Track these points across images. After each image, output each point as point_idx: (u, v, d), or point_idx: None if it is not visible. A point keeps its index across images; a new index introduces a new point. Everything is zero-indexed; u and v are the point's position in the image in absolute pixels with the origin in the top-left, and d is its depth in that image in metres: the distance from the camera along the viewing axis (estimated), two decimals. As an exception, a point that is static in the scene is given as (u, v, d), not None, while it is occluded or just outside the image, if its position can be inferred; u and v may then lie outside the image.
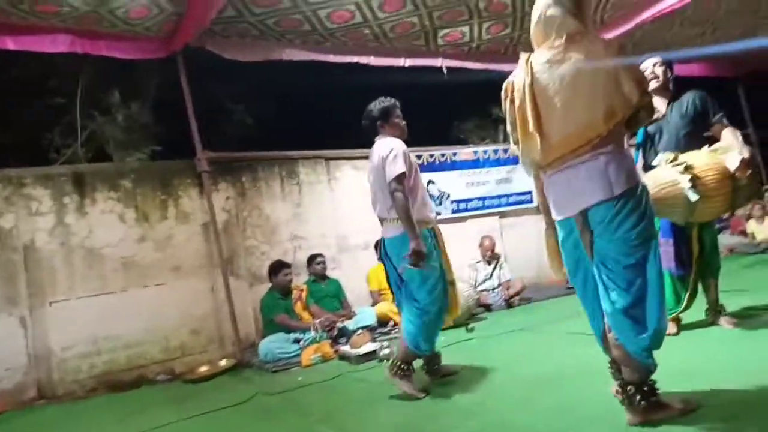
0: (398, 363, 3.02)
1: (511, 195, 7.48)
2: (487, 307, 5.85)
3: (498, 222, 7.29)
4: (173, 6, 4.36)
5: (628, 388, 2.01)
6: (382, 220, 3.23)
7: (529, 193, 7.56)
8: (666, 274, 3.05)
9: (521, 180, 7.51)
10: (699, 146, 3.13)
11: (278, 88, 8.01)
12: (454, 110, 9.64)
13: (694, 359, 2.31)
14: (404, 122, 3.29)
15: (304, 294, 5.23)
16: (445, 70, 6.23)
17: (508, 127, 2.26)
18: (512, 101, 2.18)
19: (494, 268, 6.22)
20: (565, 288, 6.03)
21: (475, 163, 7.29)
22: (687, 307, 3.32)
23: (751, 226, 7.28)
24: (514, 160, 7.56)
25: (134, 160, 6.40)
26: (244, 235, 5.58)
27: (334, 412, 2.97)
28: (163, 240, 5.18)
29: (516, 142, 2.23)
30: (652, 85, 3.33)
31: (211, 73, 6.29)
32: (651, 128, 3.33)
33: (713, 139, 3.25)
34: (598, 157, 2.01)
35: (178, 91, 5.10)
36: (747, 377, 2.28)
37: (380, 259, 5.69)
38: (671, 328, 3.17)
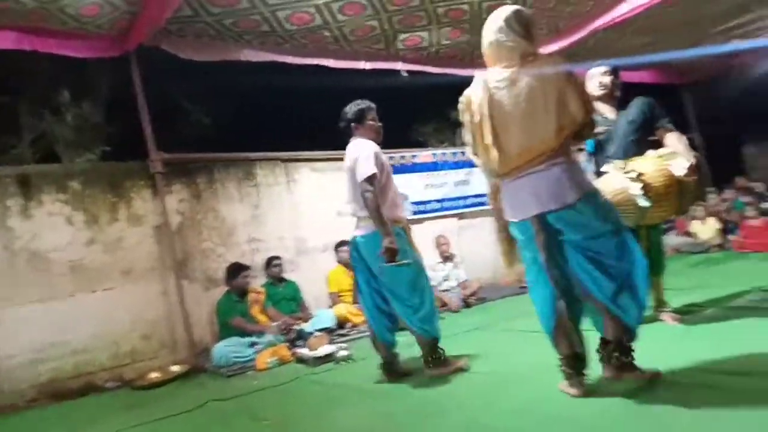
0: (428, 357, 3.16)
1: (468, 197, 7.59)
2: (456, 311, 5.88)
3: (456, 223, 7.39)
4: (127, 4, 4.25)
5: (609, 345, 2.27)
6: (355, 219, 3.32)
7: (486, 194, 7.69)
8: None
9: (479, 182, 7.63)
10: (646, 150, 3.27)
11: (236, 89, 7.85)
12: (413, 113, 9.73)
13: (638, 353, 2.43)
14: (379, 124, 3.38)
15: (261, 297, 5.17)
16: (404, 74, 6.28)
17: (469, 138, 2.43)
18: (471, 115, 2.35)
19: (452, 269, 6.31)
20: (518, 287, 6.17)
21: (433, 166, 7.37)
22: None
23: (695, 226, 7.59)
24: (471, 164, 7.66)
25: (84, 161, 6.18)
26: (200, 238, 5.47)
27: (291, 416, 2.95)
28: (113, 243, 5.02)
29: (476, 153, 2.41)
30: (599, 92, 3.48)
31: (166, 72, 6.14)
32: (601, 135, 3.44)
33: (659, 143, 3.40)
34: (552, 167, 2.22)
35: (131, 90, 4.97)
36: (688, 369, 2.43)
37: (340, 261, 5.75)
38: None
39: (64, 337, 4.63)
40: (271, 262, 5.52)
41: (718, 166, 10.22)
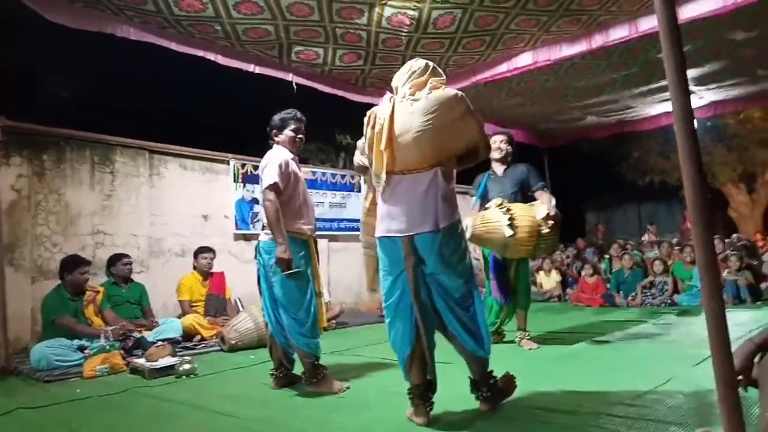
0: (307, 374, 3.16)
1: (342, 220, 7.60)
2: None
3: (327, 245, 7.34)
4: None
5: (480, 386, 2.49)
6: (263, 224, 3.31)
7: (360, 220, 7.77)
8: (494, 301, 4.18)
9: (355, 207, 7.69)
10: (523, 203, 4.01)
11: (107, 65, 7.12)
12: (298, 129, 9.64)
13: (500, 371, 2.67)
14: (300, 136, 3.39)
15: (99, 297, 4.62)
16: (295, 87, 6.17)
17: (365, 148, 2.53)
18: (373, 127, 2.44)
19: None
20: (378, 315, 6.22)
21: (312, 184, 7.29)
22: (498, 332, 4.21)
23: (541, 276, 8.35)
24: (350, 187, 7.74)
25: None
26: (35, 222, 4.80)
27: (112, 429, 2.62)
28: None
29: (370, 163, 2.49)
30: (496, 155, 4.23)
31: (25, 31, 5.41)
32: (490, 185, 4.27)
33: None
34: (430, 189, 2.36)
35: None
36: (538, 384, 2.73)
37: (197, 268, 5.37)
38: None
39: None
40: (119, 260, 4.98)
41: (564, 226, 11.41)
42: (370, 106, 7.00)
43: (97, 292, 4.64)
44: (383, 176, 2.39)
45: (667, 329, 4.82)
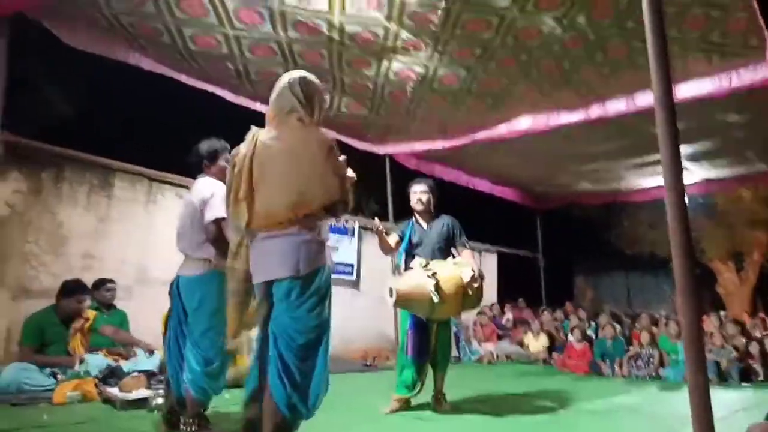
0: (190, 420, 2.88)
1: (337, 264, 7.57)
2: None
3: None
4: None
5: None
6: (184, 257, 3.13)
7: (352, 265, 7.74)
8: (410, 360, 3.87)
9: (347, 252, 7.68)
10: (447, 257, 3.98)
11: (113, 83, 7.14)
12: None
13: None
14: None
15: (87, 324, 4.49)
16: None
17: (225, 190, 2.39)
18: (234, 166, 2.31)
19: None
20: (362, 364, 6.10)
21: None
22: (418, 392, 3.89)
23: (528, 338, 8.22)
24: (344, 230, 7.74)
25: None
26: (25, 238, 4.75)
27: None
28: None
29: (228, 206, 2.36)
30: (418, 207, 4.13)
31: (36, 46, 5.43)
32: (415, 238, 4.10)
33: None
34: (293, 237, 2.20)
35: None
36: None
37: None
38: (392, 406, 3.81)
39: None
40: (103, 285, 4.90)
41: (553, 289, 11.42)
42: (369, 153, 7.18)
43: (87, 319, 4.52)
44: (242, 228, 2.27)
45: (650, 402, 4.75)
